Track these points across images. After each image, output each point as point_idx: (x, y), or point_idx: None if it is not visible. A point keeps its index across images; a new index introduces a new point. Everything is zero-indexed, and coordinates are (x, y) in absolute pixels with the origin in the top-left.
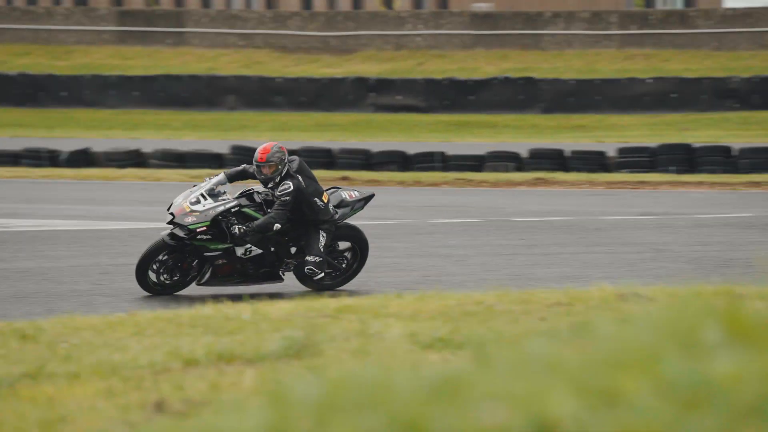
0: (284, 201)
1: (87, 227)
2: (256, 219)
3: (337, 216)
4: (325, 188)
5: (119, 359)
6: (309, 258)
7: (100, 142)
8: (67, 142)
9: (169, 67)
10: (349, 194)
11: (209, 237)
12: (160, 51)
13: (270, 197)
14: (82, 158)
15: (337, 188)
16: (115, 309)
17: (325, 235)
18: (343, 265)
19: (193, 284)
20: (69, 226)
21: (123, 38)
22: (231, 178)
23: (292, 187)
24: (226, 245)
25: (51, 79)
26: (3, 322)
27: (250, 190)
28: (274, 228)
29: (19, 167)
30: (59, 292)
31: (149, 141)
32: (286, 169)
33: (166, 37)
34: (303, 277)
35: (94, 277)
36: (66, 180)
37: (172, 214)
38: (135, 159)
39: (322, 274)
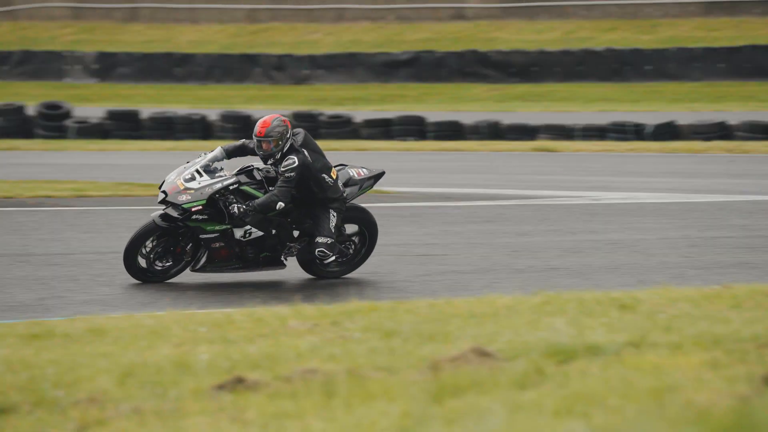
0: (288, 177)
1: (673, 200)
2: (257, 198)
3: (346, 195)
4: (335, 164)
5: (721, 331)
6: (320, 239)
7: (685, 115)
8: (651, 115)
9: (755, 37)
10: (357, 171)
11: (205, 217)
12: (747, 21)
13: (272, 174)
14: (667, 131)
15: (344, 165)
16: (707, 282)
17: (335, 214)
18: (351, 251)
19: (187, 270)
20: (655, 199)
21: (709, 10)
22: (229, 154)
23: (297, 162)
24: (224, 226)
25: (636, 53)
26: (600, 292)
27: (249, 166)
28: (277, 207)
29: (606, 141)
30: (649, 265)
31: (734, 113)
32: (289, 144)
33: (753, 7)
34: (309, 262)
35: (682, 249)
36: (651, 153)
37: (164, 192)
38: (720, 131)
39: (333, 258)
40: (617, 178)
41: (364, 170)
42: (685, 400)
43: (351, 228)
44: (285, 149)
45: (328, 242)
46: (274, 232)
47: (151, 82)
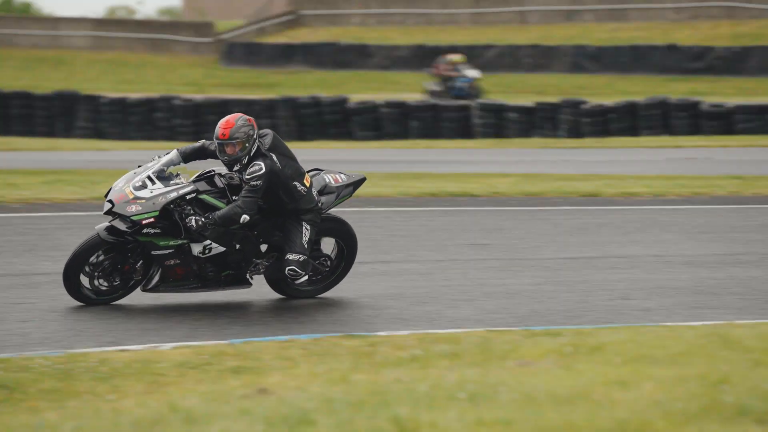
0: (254, 186)
1: None
2: (218, 208)
3: (321, 205)
4: (308, 169)
5: None
6: (290, 256)
7: None
8: None
9: None
10: (333, 177)
11: (158, 231)
12: None
13: (236, 181)
14: None
15: (319, 170)
16: None
17: (309, 228)
18: (327, 268)
19: (138, 290)
20: None
21: None
22: (186, 158)
23: (263, 169)
24: (180, 242)
25: None
26: None
27: (210, 171)
28: (241, 220)
29: None
30: None
31: None
32: (255, 147)
33: None
34: (278, 281)
35: None
36: None
37: (110, 201)
38: None
39: (306, 277)
40: None
41: (342, 176)
42: None
43: (327, 242)
44: (252, 152)
45: (300, 260)
46: (238, 247)
47: None
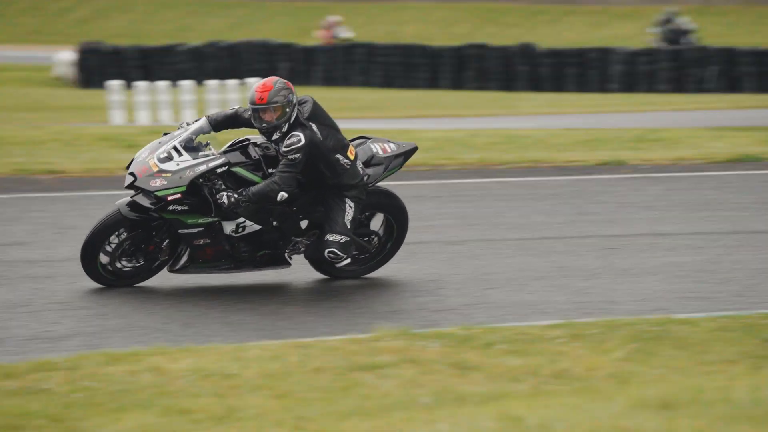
0: (292, 160)
1: None
2: (254, 183)
3: (367, 178)
4: (349, 140)
5: None
6: (331, 237)
7: None
8: None
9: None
10: (382, 147)
11: (185, 208)
12: None
13: (272, 152)
14: None
15: (365, 138)
16: None
17: (352, 205)
18: (374, 245)
19: (164, 270)
20: None
21: None
22: (216, 126)
23: (303, 141)
24: (210, 219)
25: None
26: None
27: (244, 141)
28: (278, 197)
29: None
30: None
31: None
32: (294, 115)
33: None
34: (320, 262)
35: None
36: None
37: (132, 174)
38: None
39: (348, 259)
40: None
41: (391, 145)
42: None
43: (375, 217)
44: (292, 119)
45: (342, 241)
46: (275, 224)
47: None
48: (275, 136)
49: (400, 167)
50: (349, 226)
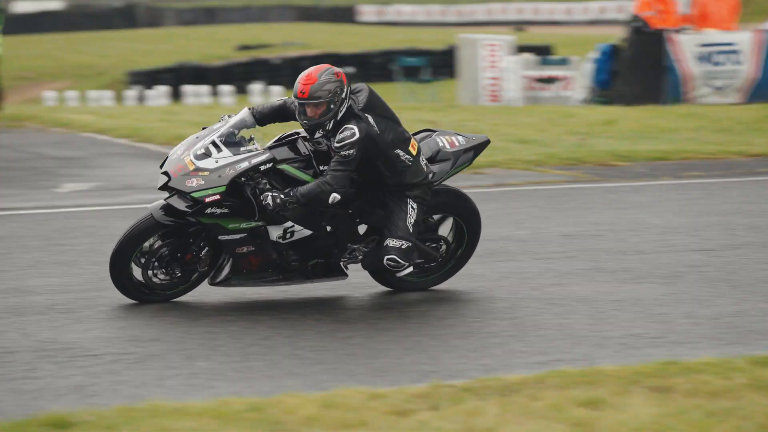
0: (346, 156)
1: None
2: (303, 182)
3: (432, 176)
4: (412, 133)
5: None
6: (390, 242)
7: None
8: None
9: None
10: (449, 140)
11: (225, 211)
12: None
13: (324, 147)
14: None
15: (431, 131)
16: None
17: (415, 206)
18: (441, 253)
19: (205, 283)
20: None
21: None
22: (262, 119)
23: (357, 135)
24: (254, 224)
25: None
26: None
27: (293, 134)
28: (330, 199)
29: None
30: None
31: None
32: (345, 107)
33: None
34: (381, 271)
35: None
36: None
37: (166, 174)
38: None
39: (410, 268)
40: None
41: (460, 138)
42: None
43: (443, 221)
44: (340, 116)
45: (403, 246)
46: (329, 229)
47: None
48: (318, 135)
49: (470, 163)
50: (411, 230)
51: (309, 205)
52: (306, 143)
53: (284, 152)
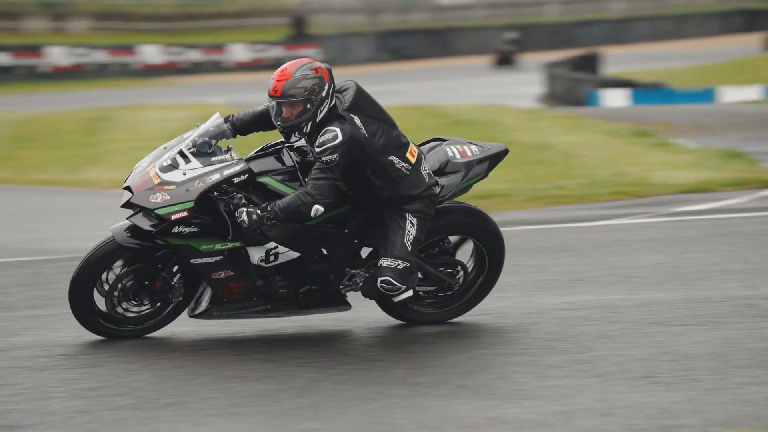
0: (328, 162)
1: None
2: (284, 195)
3: (439, 189)
4: (423, 141)
5: None
6: (385, 262)
7: None
8: None
9: None
10: (460, 150)
11: (195, 230)
12: None
13: (311, 156)
14: None
15: (441, 140)
16: None
17: (415, 222)
18: (458, 280)
19: (184, 315)
20: None
21: None
22: (242, 128)
23: (340, 137)
24: (230, 245)
25: None
26: None
27: (278, 144)
28: (313, 212)
29: None
30: None
31: None
32: (326, 107)
33: None
34: (382, 299)
35: None
36: None
37: (129, 189)
38: None
39: (409, 292)
40: None
41: (473, 147)
42: None
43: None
44: (320, 117)
45: (399, 267)
46: (324, 251)
47: None
48: (294, 138)
49: (486, 175)
50: (410, 249)
51: (289, 220)
52: (292, 153)
53: (266, 163)
